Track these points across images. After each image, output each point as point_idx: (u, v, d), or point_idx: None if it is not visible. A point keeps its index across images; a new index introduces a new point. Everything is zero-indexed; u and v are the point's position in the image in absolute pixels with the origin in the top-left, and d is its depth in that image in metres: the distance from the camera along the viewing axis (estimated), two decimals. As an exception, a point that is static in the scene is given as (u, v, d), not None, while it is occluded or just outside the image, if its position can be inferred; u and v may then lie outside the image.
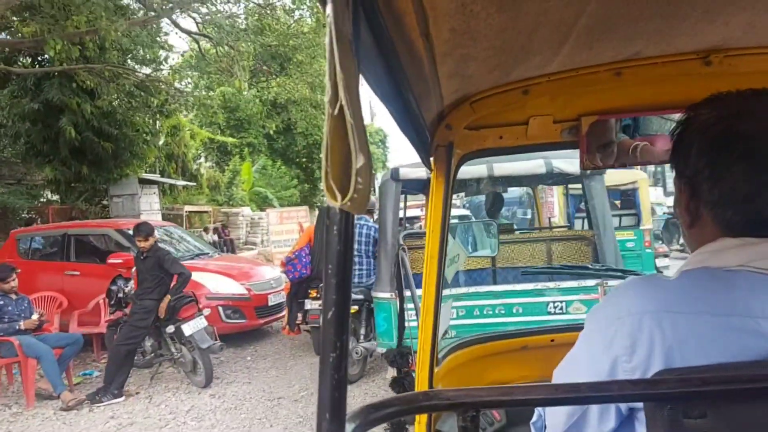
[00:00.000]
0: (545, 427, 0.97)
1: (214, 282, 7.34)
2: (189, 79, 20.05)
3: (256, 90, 22.63)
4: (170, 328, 5.45)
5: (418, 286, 1.50)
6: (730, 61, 1.07)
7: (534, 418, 1.05)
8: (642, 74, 1.11)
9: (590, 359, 0.83)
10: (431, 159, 1.33)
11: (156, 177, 16.56)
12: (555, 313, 3.85)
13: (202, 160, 24.16)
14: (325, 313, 0.55)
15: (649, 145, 1.27)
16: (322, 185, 0.48)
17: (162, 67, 13.50)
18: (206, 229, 18.30)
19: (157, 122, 15.18)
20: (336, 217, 0.53)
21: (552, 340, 1.73)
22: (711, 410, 0.67)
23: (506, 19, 0.81)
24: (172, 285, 5.61)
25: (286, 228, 13.07)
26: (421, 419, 1.37)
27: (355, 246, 5.88)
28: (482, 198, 8.94)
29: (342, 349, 0.55)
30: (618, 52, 1.06)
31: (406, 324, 2.02)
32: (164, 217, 17.32)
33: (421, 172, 4.47)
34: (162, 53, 13.19)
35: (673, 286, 0.79)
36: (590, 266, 3.62)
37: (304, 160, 25.51)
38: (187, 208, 18.48)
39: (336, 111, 0.46)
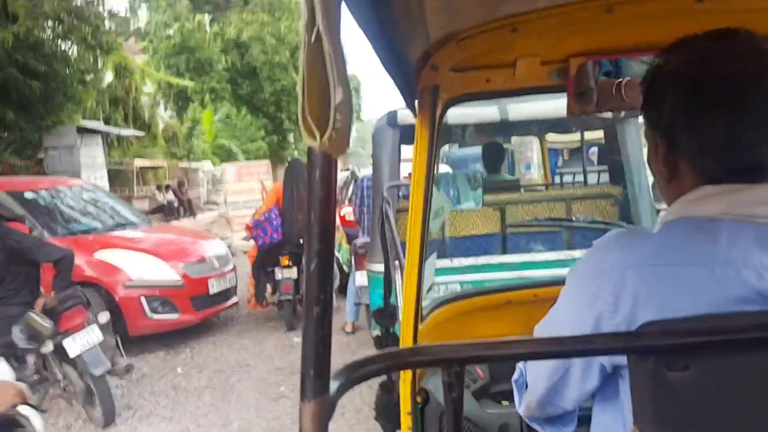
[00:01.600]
0: (527, 385, 0.98)
1: (137, 264, 5.82)
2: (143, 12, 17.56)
3: (218, 26, 20.02)
4: (48, 346, 3.54)
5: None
6: None
7: (515, 375, 1.05)
8: (633, 12, 1.08)
9: (574, 316, 0.84)
10: (416, 104, 1.30)
11: (98, 125, 14.41)
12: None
13: (161, 107, 21.59)
14: (308, 265, 0.53)
15: (633, 83, 1.25)
16: (299, 122, 0.45)
17: None
18: (159, 188, 16.29)
19: (98, 59, 12.75)
20: (318, 160, 0.50)
21: (535, 295, 1.76)
22: (694, 362, 0.68)
23: None
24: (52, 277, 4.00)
25: (246, 186, 11.31)
26: (406, 378, 1.39)
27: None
28: (466, 151, 8.41)
29: (326, 303, 0.54)
30: None
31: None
32: (110, 174, 15.33)
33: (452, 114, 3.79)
34: None
35: (654, 239, 0.80)
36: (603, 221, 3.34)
37: (272, 108, 23.83)
38: (138, 162, 16.56)
39: (313, 38, 0.43)
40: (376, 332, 4.64)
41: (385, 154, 3.85)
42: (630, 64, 1.32)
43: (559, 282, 0.92)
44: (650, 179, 3.91)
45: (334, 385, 0.59)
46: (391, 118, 3.81)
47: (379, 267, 3.13)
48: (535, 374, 0.94)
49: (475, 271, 3.32)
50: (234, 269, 6.55)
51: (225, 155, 21.05)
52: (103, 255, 5.73)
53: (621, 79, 1.28)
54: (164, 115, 22.34)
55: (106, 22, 12.20)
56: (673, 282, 0.74)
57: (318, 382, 0.55)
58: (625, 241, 0.84)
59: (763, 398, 0.69)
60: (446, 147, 7.31)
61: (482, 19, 1.12)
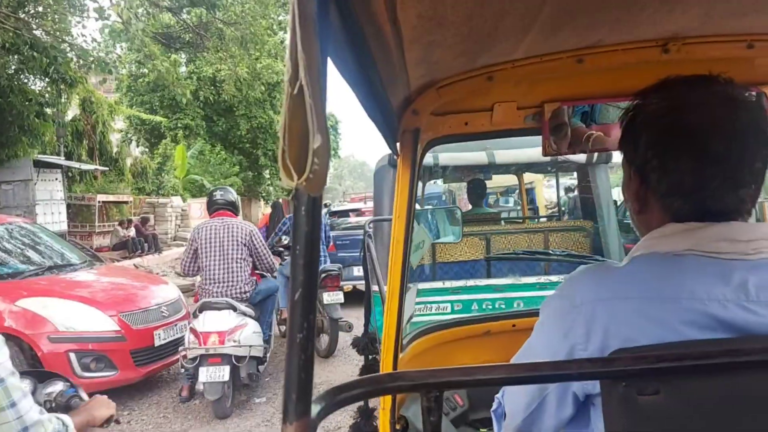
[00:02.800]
0: (505, 415, 1.01)
1: (66, 314, 5.03)
2: (118, 52, 17.10)
3: (194, 66, 19.68)
4: None
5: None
6: (687, 49, 1.14)
7: (494, 406, 1.09)
8: (603, 62, 1.17)
9: (548, 347, 0.87)
10: (398, 145, 1.39)
11: (57, 159, 13.46)
12: None
13: (133, 143, 20.97)
14: (293, 294, 0.56)
15: (602, 135, 1.36)
16: (279, 164, 0.49)
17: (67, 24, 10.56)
18: (121, 223, 15.44)
19: (63, 93, 12.15)
20: (304, 197, 0.55)
21: (513, 325, 1.82)
22: (664, 387, 0.71)
23: (473, 6, 0.85)
24: None
25: (212, 224, 10.22)
26: (386, 405, 1.42)
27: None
28: (441, 190, 9.49)
29: (309, 330, 0.57)
30: (580, 39, 1.12)
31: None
32: (71, 209, 14.45)
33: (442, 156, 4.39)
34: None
35: (623, 273, 0.85)
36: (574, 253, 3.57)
37: (247, 145, 23.56)
38: (101, 197, 15.70)
39: (296, 90, 0.47)
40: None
41: (386, 192, 4.10)
42: (605, 107, 1.38)
43: (537, 313, 0.96)
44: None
45: (315, 409, 0.61)
46: (392, 158, 4.07)
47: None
48: (513, 404, 0.97)
49: (465, 292, 3.64)
50: (187, 316, 5.69)
51: (197, 191, 20.43)
52: (27, 303, 4.96)
53: (592, 132, 1.37)
54: (136, 152, 21.69)
55: (70, 55, 11.51)
56: (641, 314, 0.78)
57: (300, 406, 0.57)
58: (596, 276, 0.89)
59: (730, 421, 0.73)
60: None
61: (460, 69, 1.21)
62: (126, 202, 17.19)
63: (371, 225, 2.50)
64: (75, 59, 11.68)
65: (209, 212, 5.34)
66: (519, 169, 5.69)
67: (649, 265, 0.83)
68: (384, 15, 0.79)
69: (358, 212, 11.23)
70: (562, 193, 8.56)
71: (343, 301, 6.25)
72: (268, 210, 9.87)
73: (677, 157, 0.83)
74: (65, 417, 1.55)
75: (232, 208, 5.24)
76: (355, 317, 6.84)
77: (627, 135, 0.92)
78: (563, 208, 8.62)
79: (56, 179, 14.37)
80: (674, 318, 0.75)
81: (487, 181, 5.48)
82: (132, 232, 15.03)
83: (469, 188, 5.18)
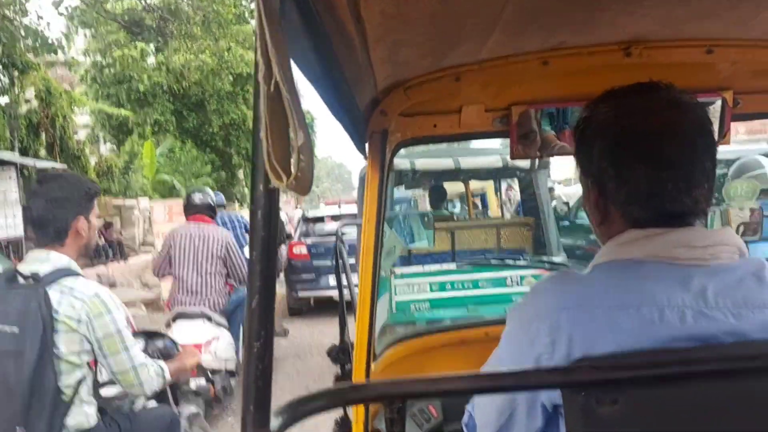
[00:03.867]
0: (476, 427, 1.02)
1: None
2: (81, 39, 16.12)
3: (162, 56, 18.64)
4: None
5: None
6: (649, 53, 1.17)
7: (465, 418, 1.09)
8: (567, 64, 1.20)
9: (514, 357, 0.89)
10: (366, 146, 1.40)
11: (11, 156, 12.28)
12: (512, 285, 4.19)
13: (100, 141, 19.87)
14: (249, 301, 0.56)
15: (567, 146, 1.40)
16: (266, 166, 0.49)
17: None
18: None
19: (15, 81, 11.12)
20: (260, 201, 0.54)
21: (486, 334, 1.85)
22: (622, 396, 0.72)
23: (436, 4, 0.86)
24: None
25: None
26: (359, 418, 1.40)
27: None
28: (409, 195, 10.42)
29: (267, 338, 0.56)
30: (544, 41, 1.15)
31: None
32: (26, 211, 12.90)
33: (406, 162, 4.92)
34: None
35: (586, 282, 0.88)
36: (528, 257, 4.48)
37: (220, 143, 22.63)
38: None
39: (272, 88, 0.47)
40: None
41: None
42: (573, 110, 1.40)
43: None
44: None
45: (276, 422, 0.61)
46: None
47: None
48: (484, 416, 0.98)
49: (439, 275, 4.11)
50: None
51: (167, 192, 19.68)
52: None
53: (557, 143, 1.40)
54: (103, 149, 20.54)
55: (27, 41, 10.46)
56: (604, 323, 0.79)
57: (258, 416, 0.56)
58: (559, 284, 0.91)
59: (687, 431, 0.74)
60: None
61: (427, 69, 1.23)
62: (89, 204, 16.05)
63: (343, 230, 2.45)
64: (21, 40, 10.55)
65: (186, 215, 5.21)
66: (466, 176, 6.58)
67: (610, 273, 0.87)
68: (347, 12, 0.80)
69: (336, 218, 10.49)
70: (504, 196, 10.08)
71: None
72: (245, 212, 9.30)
73: (631, 165, 0.86)
74: (162, 363, 2.19)
75: (210, 211, 5.15)
76: (333, 327, 6.58)
77: (580, 147, 0.95)
78: (519, 209, 10.54)
79: (10, 178, 13.26)
80: (635, 325, 0.78)
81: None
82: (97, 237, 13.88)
83: (431, 193, 6.09)
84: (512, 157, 1.42)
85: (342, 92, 1.04)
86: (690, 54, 1.17)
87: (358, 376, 1.42)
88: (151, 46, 19.68)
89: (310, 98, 5.69)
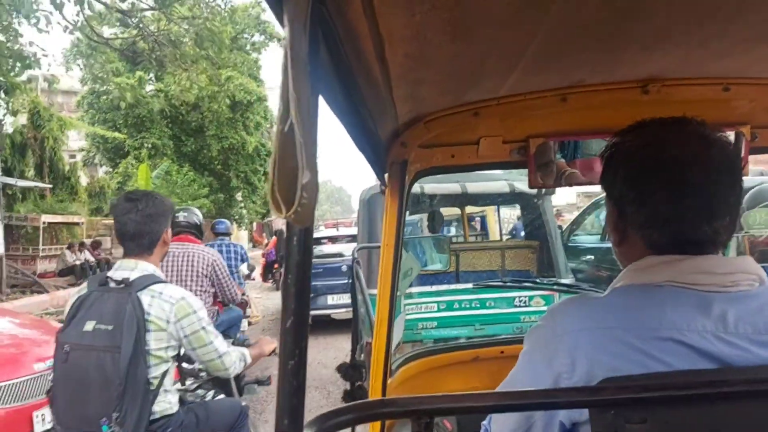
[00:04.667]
0: None
1: None
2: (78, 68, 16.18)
3: (162, 84, 18.90)
4: None
5: None
6: (667, 90, 1.19)
7: None
8: (585, 100, 1.23)
9: (533, 377, 0.89)
10: (386, 175, 1.46)
11: (-8, 175, 12.14)
12: (520, 306, 4.52)
13: (96, 162, 20.41)
14: (284, 322, 0.59)
15: (578, 173, 1.43)
16: (268, 198, 0.52)
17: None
18: (71, 246, 14.17)
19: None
20: (296, 229, 0.58)
21: (501, 352, 1.87)
22: (651, 416, 0.73)
23: (458, 46, 0.89)
24: None
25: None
26: None
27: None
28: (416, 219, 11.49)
29: (300, 357, 0.59)
30: (563, 79, 1.18)
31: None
32: (10, 229, 13.00)
33: (415, 187, 5.14)
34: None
35: (605, 304, 0.89)
36: (538, 281, 4.57)
37: (219, 166, 22.97)
38: (47, 218, 14.65)
39: (286, 128, 0.48)
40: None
41: (380, 219, 4.57)
42: (588, 142, 1.44)
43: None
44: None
45: None
46: (383, 186, 3.68)
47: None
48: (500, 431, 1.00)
49: (447, 294, 4.59)
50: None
51: (163, 213, 18.84)
52: None
53: (566, 170, 1.42)
54: (100, 171, 20.91)
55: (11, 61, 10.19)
56: (624, 344, 0.80)
57: (291, 429, 0.59)
58: (578, 306, 0.92)
59: None
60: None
61: (446, 105, 1.29)
62: (77, 224, 15.85)
63: (358, 252, 2.51)
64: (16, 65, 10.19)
65: (171, 235, 4.63)
66: (462, 201, 6.83)
67: (629, 296, 0.88)
68: (372, 54, 0.84)
69: (334, 239, 10.99)
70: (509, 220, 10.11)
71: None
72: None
73: (653, 190, 0.88)
74: (245, 349, 2.53)
75: (195, 231, 5.04)
76: (332, 346, 7.42)
77: (606, 171, 0.97)
78: (514, 232, 10.77)
79: (-8, 196, 12.80)
80: (656, 347, 0.79)
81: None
82: (85, 255, 13.64)
83: (429, 218, 6.24)
84: (530, 186, 1.45)
85: (365, 124, 1.08)
86: (707, 92, 1.20)
87: (374, 392, 1.46)
88: (151, 74, 19.72)
89: (331, 128, 5.78)
